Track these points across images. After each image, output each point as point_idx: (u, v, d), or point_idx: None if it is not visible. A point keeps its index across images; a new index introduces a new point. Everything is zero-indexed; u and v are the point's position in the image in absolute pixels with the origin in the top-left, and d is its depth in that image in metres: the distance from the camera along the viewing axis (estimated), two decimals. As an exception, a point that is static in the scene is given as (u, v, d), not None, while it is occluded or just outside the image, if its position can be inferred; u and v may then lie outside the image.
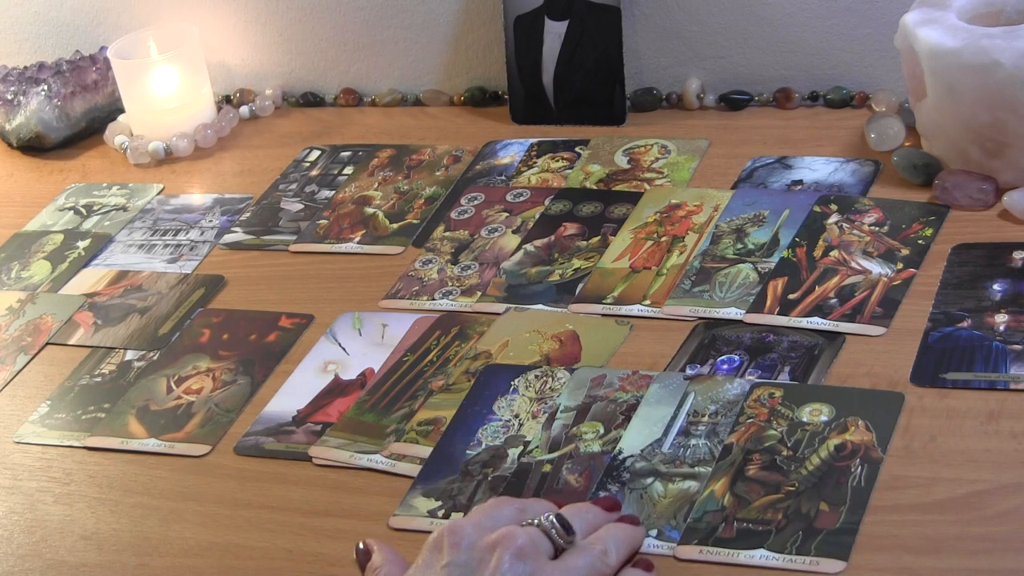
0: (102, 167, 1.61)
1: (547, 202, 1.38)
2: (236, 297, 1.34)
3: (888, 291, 1.17)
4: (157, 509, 1.10)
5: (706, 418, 1.07)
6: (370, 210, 1.43)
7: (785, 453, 1.02)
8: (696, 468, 1.03)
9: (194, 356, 1.26)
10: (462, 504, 1.04)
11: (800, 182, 1.34)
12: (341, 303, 1.29)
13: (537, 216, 1.36)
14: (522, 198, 1.40)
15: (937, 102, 1.27)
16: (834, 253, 1.23)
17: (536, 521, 0.93)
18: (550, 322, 1.21)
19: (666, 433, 1.06)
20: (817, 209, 1.29)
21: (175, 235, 1.45)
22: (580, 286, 1.25)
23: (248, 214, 1.46)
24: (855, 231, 1.25)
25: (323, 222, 1.42)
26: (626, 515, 0.98)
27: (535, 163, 1.46)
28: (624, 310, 1.21)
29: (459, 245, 1.34)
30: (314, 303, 1.30)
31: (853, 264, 1.21)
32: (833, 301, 1.17)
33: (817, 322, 1.15)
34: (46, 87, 1.63)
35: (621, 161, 1.43)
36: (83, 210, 1.52)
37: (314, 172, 1.52)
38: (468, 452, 1.09)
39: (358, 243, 1.38)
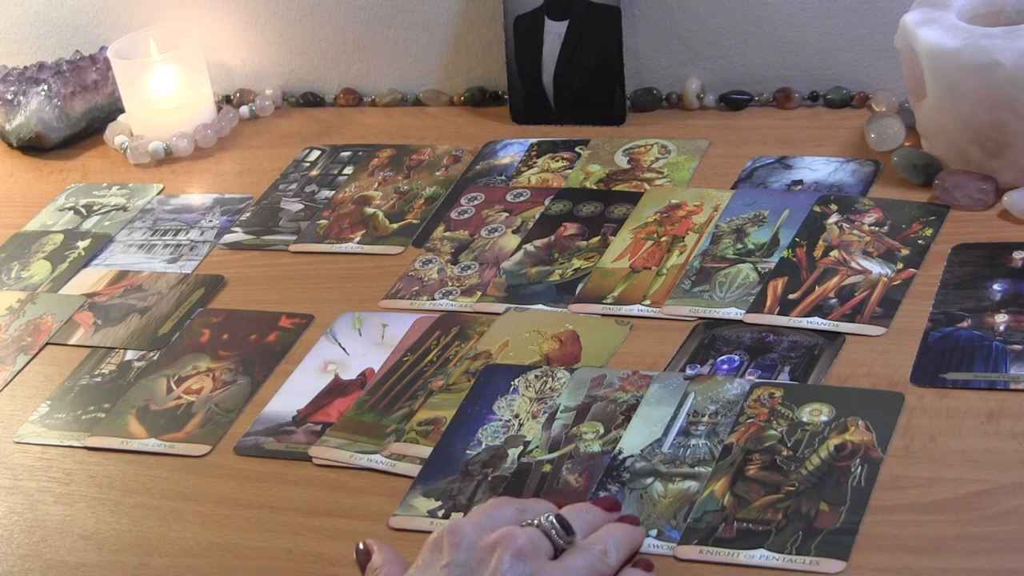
0: (102, 167, 1.61)
1: (547, 202, 1.38)
2: (236, 297, 1.34)
3: (888, 291, 1.17)
4: (157, 509, 1.10)
5: (706, 418, 1.07)
6: (370, 210, 1.43)
7: (785, 453, 1.02)
8: (696, 468, 1.03)
9: (194, 356, 1.26)
10: (462, 504, 1.04)
11: (800, 182, 1.34)
12: (341, 303, 1.29)
13: (537, 216, 1.36)
14: (522, 198, 1.40)
15: (937, 102, 1.27)
16: (834, 253, 1.23)
17: (536, 521, 0.93)
18: (550, 322, 1.21)
19: (666, 433, 1.06)
20: (817, 209, 1.29)
21: (175, 235, 1.45)
22: (580, 286, 1.25)
23: (248, 214, 1.46)
24: (855, 231, 1.25)
25: (323, 222, 1.42)
26: (626, 515, 0.98)
27: (535, 163, 1.46)
28: (624, 310, 1.21)
29: (459, 245, 1.34)
30: (314, 303, 1.30)
31: (853, 264, 1.21)
32: (833, 301, 1.17)
33: (817, 322, 1.15)
34: (46, 87, 1.63)
35: (621, 161, 1.43)
36: (83, 210, 1.52)
37: (314, 172, 1.52)
38: (468, 452, 1.09)
39: (358, 243, 1.38)
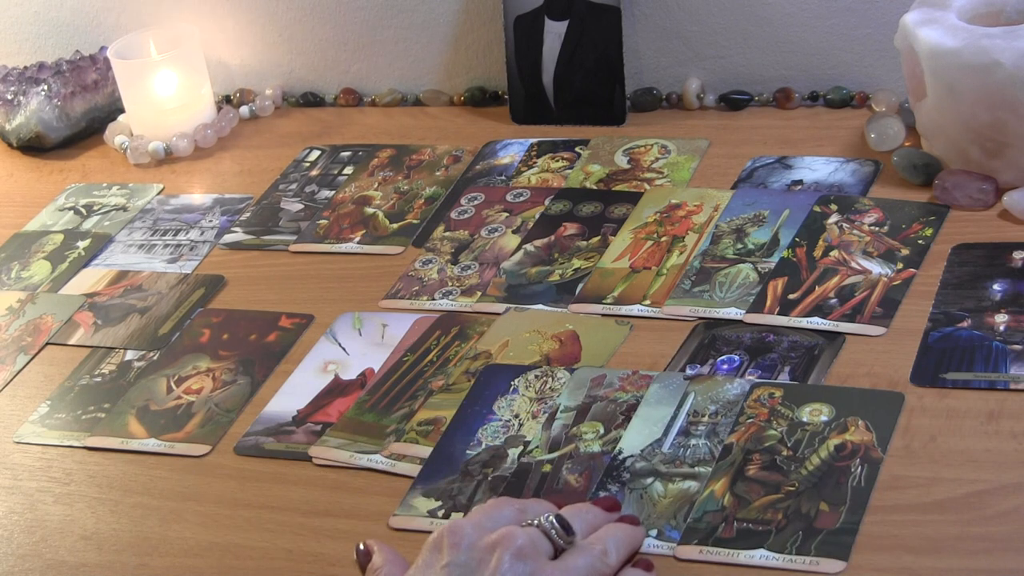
0: (102, 167, 1.61)
1: (547, 202, 1.38)
2: (236, 297, 1.34)
3: (888, 291, 1.17)
4: (157, 509, 1.10)
5: (706, 418, 1.07)
6: (370, 210, 1.43)
7: (785, 453, 1.02)
8: (696, 468, 1.03)
9: (194, 356, 1.26)
10: (462, 504, 1.04)
11: (800, 182, 1.34)
12: (341, 303, 1.29)
13: (537, 216, 1.36)
14: (522, 198, 1.40)
15: (937, 102, 1.27)
16: (834, 253, 1.23)
17: (536, 521, 0.93)
18: (550, 322, 1.21)
19: (666, 433, 1.06)
20: (817, 209, 1.29)
21: (175, 235, 1.45)
22: (580, 286, 1.25)
23: (248, 214, 1.46)
24: (855, 231, 1.25)
25: (323, 222, 1.42)
26: (626, 515, 0.98)
27: (535, 163, 1.46)
28: (624, 310, 1.21)
29: (459, 245, 1.34)
30: (314, 303, 1.30)
31: (853, 264, 1.21)
32: (833, 301, 1.17)
33: (817, 322, 1.15)
34: (46, 87, 1.63)
35: (621, 161, 1.43)
36: (83, 210, 1.52)
37: (314, 172, 1.52)
38: (468, 452, 1.09)
39: (358, 243, 1.38)
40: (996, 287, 1.15)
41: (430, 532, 0.94)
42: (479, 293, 1.27)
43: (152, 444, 1.17)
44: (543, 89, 1.52)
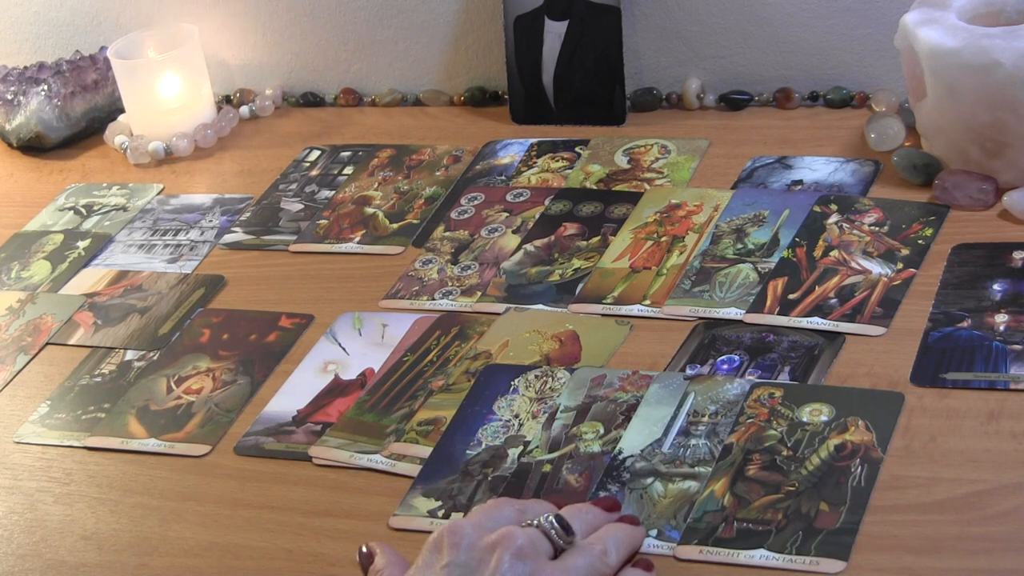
0: (102, 167, 1.61)
1: (547, 202, 1.38)
2: (236, 297, 1.34)
3: (888, 291, 1.17)
4: (157, 509, 1.10)
5: (706, 418, 1.07)
6: (370, 210, 1.43)
7: (785, 453, 1.02)
8: (696, 468, 1.03)
9: (194, 356, 1.26)
10: (462, 504, 1.04)
11: (800, 182, 1.34)
12: (341, 303, 1.29)
13: (537, 216, 1.36)
14: (522, 198, 1.40)
15: (937, 102, 1.27)
16: (834, 253, 1.23)
17: (536, 522, 0.93)
18: (550, 322, 1.21)
19: (666, 433, 1.06)
20: (817, 209, 1.29)
21: (175, 235, 1.45)
22: (580, 286, 1.25)
23: (248, 214, 1.46)
24: (855, 231, 1.25)
25: (323, 222, 1.42)
26: (626, 515, 0.98)
27: (535, 163, 1.46)
28: (624, 310, 1.21)
29: (459, 245, 1.34)
30: (314, 303, 1.30)
31: (853, 264, 1.21)
32: (833, 301, 1.17)
33: (817, 322, 1.15)
34: (46, 87, 1.63)
35: (621, 161, 1.43)
36: (83, 210, 1.52)
37: (314, 172, 1.52)
38: (468, 452, 1.09)
39: (358, 243, 1.38)
40: (996, 287, 1.15)
41: (430, 532, 0.94)
42: (479, 293, 1.27)
43: (152, 444, 1.17)
44: (543, 89, 1.52)
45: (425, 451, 1.09)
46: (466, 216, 1.39)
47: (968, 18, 1.27)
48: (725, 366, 1.13)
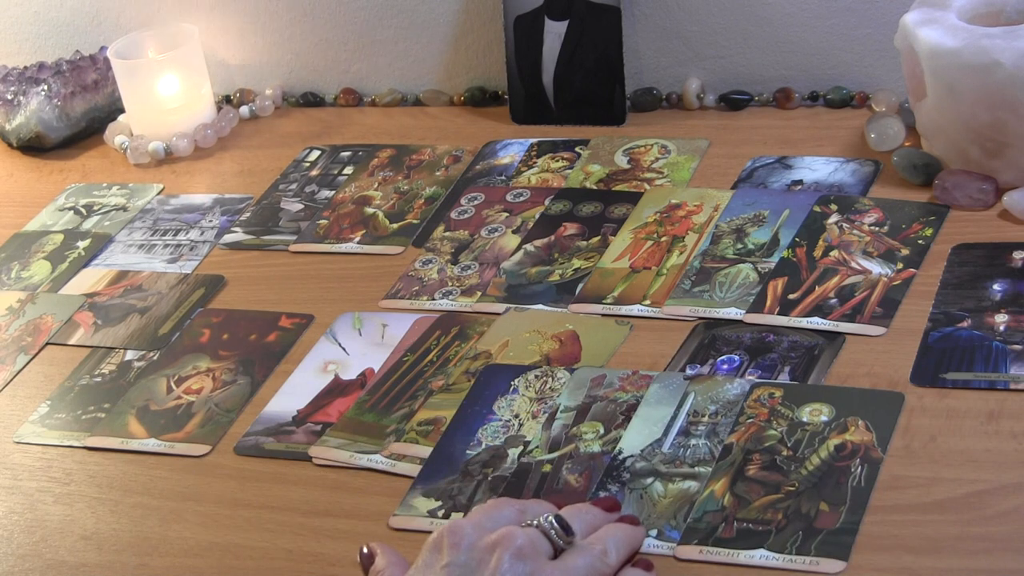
0: (102, 167, 1.61)
1: (547, 202, 1.38)
2: (236, 297, 1.34)
3: (888, 291, 1.17)
4: (157, 509, 1.10)
5: (706, 418, 1.07)
6: (370, 210, 1.43)
7: (785, 453, 1.02)
8: (696, 468, 1.03)
9: (194, 356, 1.26)
10: (462, 504, 1.04)
11: (800, 182, 1.34)
12: (341, 303, 1.29)
13: (537, 216, 1.36)
14: (522, 198, 1.40)
15: (937, 102, 1.27)
16: (834, 253, 1.22)
17: (536, 522, 0.93)
18: (550, 322, 1.21)
19: (666, 433, 1.06)
20: (817, 209, 1.29)
21: (175, 235, 1.45)
22: (580, 286, 1.25)
23: (248, 214, 1.46)
24: (855, 231, 1.25)
25: (323, 222, 1.42)
26: (626, 515, 0.98)
27: (535, 163, 1.46)
28: (624, 310, 1.21)
29: (459, 245, 1.34)
30: (314, 303, 1.30)
31: (853, 264, 1.21)
32: (833, 301, 1.17)
33: (817, 322, 1.15)
34: (46, 87, 1.63)
35: (621, 161, 1.43)
36: (83, 210, 1.52)
37: (314, 172, 1.52)
38: (468, 452, 1.09)
39: (358, 243, 1.38)
40: (996, 287, 1.15)
41: (430, 532, 0.94)
42: (479, 293, 1.27)
43: (152, 444, 1.17)
44: (543, 89, 1.52)
45: (425, 451, 1.09)
46: (466, 216, 1.39)
47: (968, 18, 1.27)
48: (725, 366, 1.13)
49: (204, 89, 1.61)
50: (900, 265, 1.20)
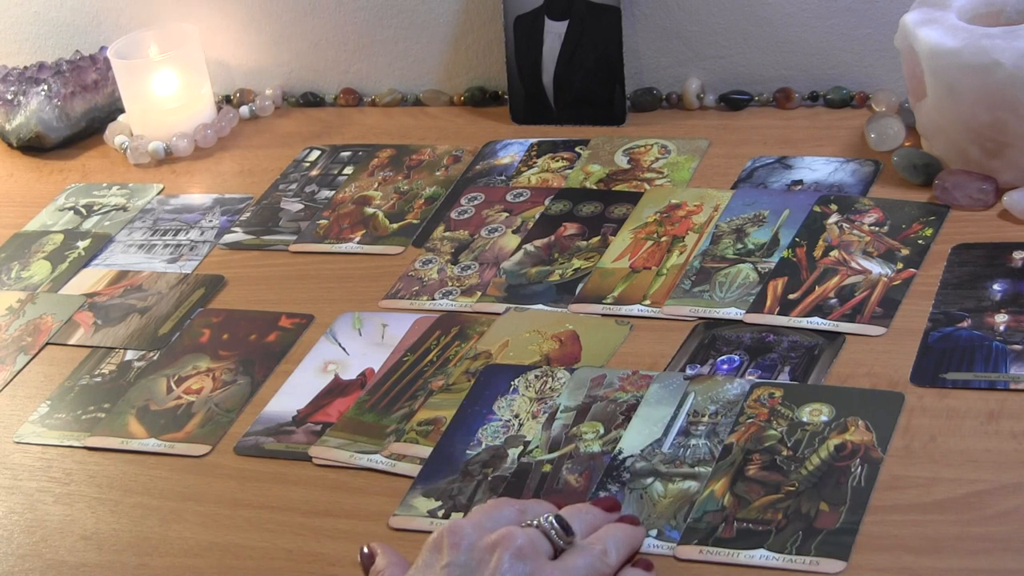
0: (102, 167, 1.61)
1: (547, 202, 1.38)
2: (236, 297, 1.34)
3: (888, 291, 1.17)
4: (157, 509, 1.10)
5: (706, 418, 1.07)
6: (370, 210, 1.43)
7: (785, 453, 1.02)
8: (696, 468, 1.03)
9: (194, 356, 1.26)
10: (462, 504, 1.04)
11: (800, 182, 1.34)
12: (341, 303, 1.29)
13: (537, 216, 1.36)
14: (522, 198, 1.40)
15: (937, 102, 1.27)
16: (834, 253, 1.23)
17: (536, 522, 0.93)
18: (550, 322, 1.21)
19: (666, 433, 1.06)
20: (817, 209, 1.29)
21: (175, 235, 1.45)
22: (580, 286, 1.25)
23: (248, 214, 1.46)
24: (855, 231, 1.25)
25: (323, 222, 1.42)
26: (626, 515, 0.98)
27: (535, 163, 1.46)
28: (624, 310, 1.21)
29: (459, 245, 1.34)
30: (314, 303, 1.30)
31: (853, 264, 1.21)
32: (833, 301, 1.17)
33: (817, 322, 1.15)
34: (46, 87, 1.63)
35: (621, 161, 1.43)
36: (83, 210, 1.52)
37: (314, 172, 1.52)
38: (468, 452, 1.09)
39: (358, 243, 1.38)
40: (996, 287, 1.15)
41: (430, 532, 0.94)
42: (479, 293, 1.27)
43: (152, 444, 1.17)
44: (543, 89, 1.52)
45: (425, 451, 1.09)
46: (466, 216, 1.39)
47: (968, 18, 1.27)
48: (725, 366, 1.13)
49: (204, 89, 1.61)
50: (900, 265, 1.20)
